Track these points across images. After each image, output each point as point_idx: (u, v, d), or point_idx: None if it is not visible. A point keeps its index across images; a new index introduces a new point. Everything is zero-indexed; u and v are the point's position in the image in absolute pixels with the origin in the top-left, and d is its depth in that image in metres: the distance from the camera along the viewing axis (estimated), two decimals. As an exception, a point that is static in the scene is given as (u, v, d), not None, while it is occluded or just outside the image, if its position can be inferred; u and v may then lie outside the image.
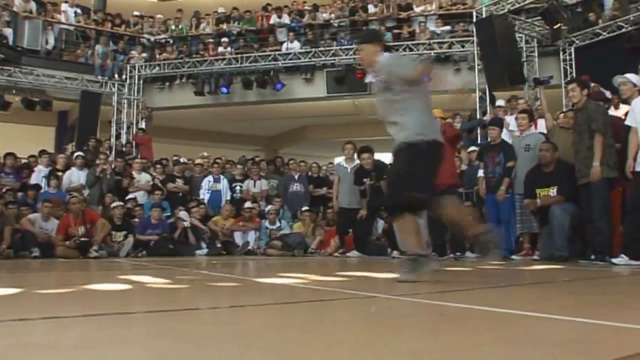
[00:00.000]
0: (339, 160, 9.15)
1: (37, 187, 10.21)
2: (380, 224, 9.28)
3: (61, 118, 17.54)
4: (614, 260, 5.60)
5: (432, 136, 4.03)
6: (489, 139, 8.14)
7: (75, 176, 10.43)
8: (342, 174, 9.08)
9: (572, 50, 12.57)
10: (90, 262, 7.55)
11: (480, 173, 7.93)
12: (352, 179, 8.83)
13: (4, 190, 9.60)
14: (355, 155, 9.02)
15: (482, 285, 3.93)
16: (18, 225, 8.57)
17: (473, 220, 4.45)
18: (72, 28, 15.84)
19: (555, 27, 12.11)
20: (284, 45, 15.18)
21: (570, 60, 12.58)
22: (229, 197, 10.89)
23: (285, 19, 15.89)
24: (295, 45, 15.03)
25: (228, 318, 2.35)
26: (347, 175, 8.93)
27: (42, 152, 11.47)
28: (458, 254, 7.44)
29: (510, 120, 8.89)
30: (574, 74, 12.19)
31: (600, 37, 12.01)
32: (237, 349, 1.60)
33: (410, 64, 4.10)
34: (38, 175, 10.61)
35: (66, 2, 15.87)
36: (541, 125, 8.20)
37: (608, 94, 6.97)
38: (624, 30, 11.47)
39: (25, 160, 11.46)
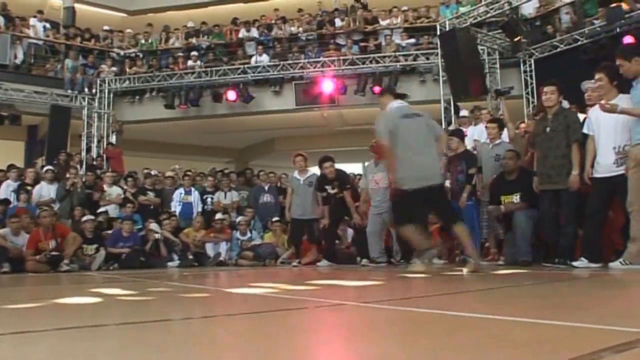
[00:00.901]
0: (294, 173, 9.14)
1: (6, 201, 9.99)
2: (350, 233, 9.29)
3: (30, 132, 17.26)
4: (575, 264, 5.72)
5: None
6: (450, 150, 8.25)
7: (45, 190, 10.27)
8: (295, 186, 9.04)
9: (532, 61, 12.89)
10: (61, 276, 7.41)
11: (447, 183, 8.03)
12: (305, 190, 8.82)
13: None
14: (308, 167, 9.10)
15: (448, 290, 3.97)
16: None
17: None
18: (41, 42, 15.61)
19: (515, 39, 12.39)
20: (253, 59, 15.20)
21: (531, 71, 12.90)
22: (200, 209, 10.81)
23: (254, 33, 15.92)
24: (264, 59, 15.06)
25: (200, 328, 2.33)
26: (300, 187, 8.90)
27: (11, 167, 11.25)
28: (425, 261, 7.46)
29: (473, 130, 9.04)
30: (534, 85, 12.49)
31: (558, 49, 12.35)
32: (210, 358, 1.59)
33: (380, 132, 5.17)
34: (7, 190, 10.40)
35: (35, 17, 15.64)
36: (504, 134, 8.36)
37: (566, 103, 7.11)
38: (579, 42, 11.83)
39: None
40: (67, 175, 10.54)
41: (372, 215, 7.91)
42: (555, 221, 6.23)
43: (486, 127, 7.98)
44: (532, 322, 2.16)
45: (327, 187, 8.59)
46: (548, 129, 6.15)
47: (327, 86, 14.37)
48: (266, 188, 11.20)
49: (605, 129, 5.65)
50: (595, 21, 11.75)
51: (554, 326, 2.06)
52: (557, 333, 1.93)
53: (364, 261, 8.00)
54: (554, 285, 4.26)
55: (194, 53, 15.62)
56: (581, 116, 6.55)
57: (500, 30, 12.73)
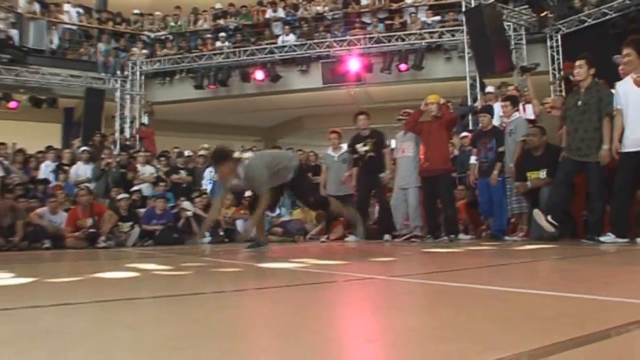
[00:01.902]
0: (328, 150, 9.06)
1: (45, 181, 10.21)
2: (376, 210, 9.25)
3: (67, 115, 17.52)
4: (602, 239, 5.63)
5: None
6: (480, 126, 8.13)
7: (82, 170, 10.45)
8: (329, 162, 8.98)
9: (559, 37, 12.56)
10: (99, 252, 7.56)
11: (473, 159, 7.93)
12: (339, 166, 8.73)
13: (14, 184, 9.61)
14: (342, 144, 9.00)
15: (475, 265, 3.95)
16: (29, 219, 8.61)
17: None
18: (75, 27, 15.79)
19: (542, 15, 12.09)
20: (280, 39, 15.14)
21: (557, 46, 12.57)
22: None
23: (281, 13, 15.82)
24: (291, 38, 14.99)
25: (232, 301, 2.36)
26: (334, 164, 8.83)
27: (49, 148, 11.46)
28: (452, 236, 7.44)
29: (499, 107, 8.89)
30: (560, 60, 12.19)
31: (586, 24, 11.98)
32: (241, 329, 1.61)
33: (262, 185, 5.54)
34: (46, 170, 10.61)
35: (69, 2, 15.83)
36: (529, 110, 8.21)
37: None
38: (608, 16, 11.44)
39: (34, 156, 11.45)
40: (102, 156, 10.71)
41: (396, 188, 7.86)
42: (567, 186, 6.12)
43: (501, 105, 7.87)
44: (559, 296, 2.14)
45: (358, 145, 8.32)
46: (580, 103, 5.97)
47: (354, 64, 14.26)
48: (294, 165, 11.19)
49: (634, 103, 5.49)
50: (625, -7, 11.37)
51: (580, 300, 2.03)
52: (583, 306, 1.91)
53: (387, 236, 7.99)
54: (581, 260, 4.19)
55: (222, 34, 15.61)
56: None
57: (526, 6, 12.44)
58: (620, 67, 6.14)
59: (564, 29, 12.44)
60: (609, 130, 5.74)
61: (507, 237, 7.17)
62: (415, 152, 7.74)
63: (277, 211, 10.21)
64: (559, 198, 6.07)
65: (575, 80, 6.14)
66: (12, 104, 14.85)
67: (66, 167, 10.55)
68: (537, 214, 6.07)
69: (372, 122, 8.45)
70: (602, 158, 5.73)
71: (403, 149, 7.88)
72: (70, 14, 15.69)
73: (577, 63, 6.07)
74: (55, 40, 15.23)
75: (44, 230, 8.52)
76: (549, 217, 5.93)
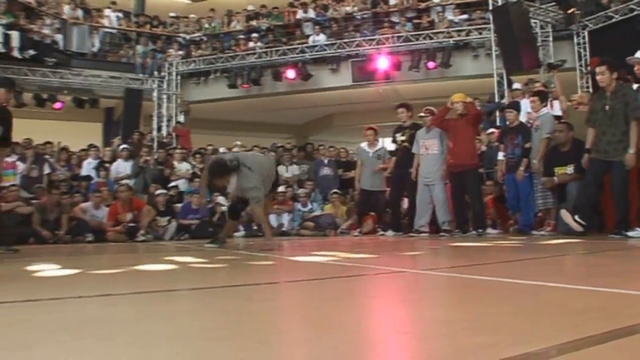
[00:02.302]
0: (363, 144, 9.04)
1: (88, 178, 10.43)
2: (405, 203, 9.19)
3: (107, 114, 17.82)
4: (629, 234, 5.51)
5: None
6: (507, 122, 8.02)
7: (122, 167, 10.62)
8: (364, 158, 8.94)
9: (586, 33, 12.26)
10: (138, 245, 7.69)
11: (500, 155, 7.83)
12: (374, 162, 8.72)
13: (59, 181, 9.84)
14: (377, 140, 9.02)
15: (503, 259, 3.90)
16: (73, 213, 8.81)
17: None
18: (114, 31, 16.05)
19: (568, 11, 11.83)
20: (311, 38, 15.12)
21: (584, 43, 12.29)
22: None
23: (311, 14, 15.80)
24: (321, 38, 14.97)
25: (265, 294, 2.37)
26: (368, 159, 8.81)
27: (91, 146, 11.68)
28: (480, 230, 7.36)
29: (526, 103, 8.75)
30: (587, 57, 11.92)
31: (613, 20, 11.65)
32: (274, 321, 1.62)
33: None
34: (88, 167, 10.82)
35: (109, 7, 16.10)
36: (556, 106, 8.06)
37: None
38: (635, 12, 11.11)
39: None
40: (141, 153, 10.87)
41: (421, 185, 7.79)
42: (595, 188, 5.98)
43: (530, 100, 7.74)
44: (588, 290, 2.10)
45: (397, 134, 8.36)
46: (607, 107, 5.80)
47: (382, 63, 14.18)
48: (326, 162, 11.22)
49: None
50: (654, -11, 11.04)
51: (609, 294, 1.99)
52: (613, 301, 1.87)
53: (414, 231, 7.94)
54: (609, 254, 4.10)
55: (255, 35, 15.66)
56: (635, 86, 6.23)
57: (553, 3, 12.17)
58: (636, 68, 5.98)
59: (590, 25, 12.13)
60: (636, 135, 5.58)
61: (534, 232, 7.06)
62: (440, 150, 7.66)
63: (309, 206, 10.25)
64: (588, 198, 5.96)
65: (601, 86, 5.98)
66: (57, 105, 15.15)
67: (107, 165, 10.74)
68: (565, 214, 5.96)
69: (398, 118, 8.43)
70: (628, 161, 5.59)
71: (426, 145, 7.79)
72: (110, 18, 15.98)
73: (599, 69, 5.93)
74: (97, 44, 15.52)
75: (86, 224, 8.71)
76: (577, 217, 5.83)
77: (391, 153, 8.61)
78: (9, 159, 10.02)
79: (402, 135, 8.27)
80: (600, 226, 6.45)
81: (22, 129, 12.89)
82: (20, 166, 10.09)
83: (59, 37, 14.40)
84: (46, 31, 13.89)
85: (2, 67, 13.52)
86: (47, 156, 10.77)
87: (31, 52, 13.29)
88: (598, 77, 5.93)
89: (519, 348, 1.18)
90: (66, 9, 14.96)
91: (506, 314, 1.64)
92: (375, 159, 8.77)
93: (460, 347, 1.21)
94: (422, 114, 7.97)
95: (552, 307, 1.76)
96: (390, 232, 8.33)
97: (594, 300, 1.90)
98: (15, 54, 12.98)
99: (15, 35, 12.88)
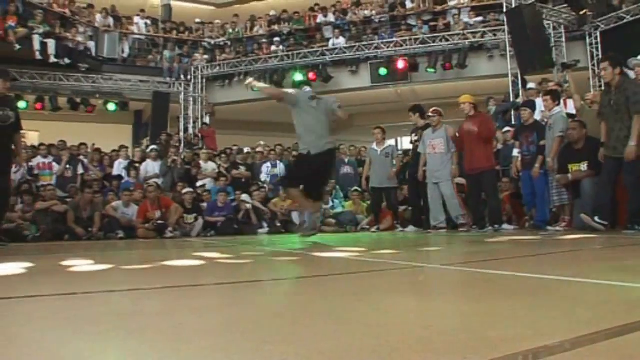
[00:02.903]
0: (372, 144, 9.06)
1: (119, 177, 10.55)
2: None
3: (137, 116, 18.02)
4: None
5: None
6: (522, 120, 7.94)
7: (151, 167, 10.72)
8: (373, 156, 8.96)
9: (598, 34, 12.13)
10: (167, 242, 7.74)
11: (515, 152, 7.74)
12: (382, 161, 8.73)
13: (92, 180, 9.98)
14: (386, 139, 9.07)
15: (520, 254, 3.85)
16: (105, 211, 8.93)
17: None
18: (143, 37, 16.23)
19: (581, 13, 11.69)
20: (331, 42, 15.14)
21: (597, 43, 12.15)
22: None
23: (331, 18, 15.81)
24: (341, 41, 14.96)
25: (289, 288, 2.37)
26: (377, 158, 8.82)
27: (122, 147, 11.82)
28: (497, 226, 7.29)
29: (540, 102, 8.64)
30: (600, 57, 11.73)
31: (625, 21, 11.52)
32: (300, 315, 1.62)
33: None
34: (119, 167, 10.95)
35: (138, 15, 16.30)
36: (570, 105, 7.95)
37: (632, 74, 6.61)
38: (647, 13, 10.96)
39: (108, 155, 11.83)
40: (169, 154, 10.96)
41: (430, 184, 7.75)
42: (611, 187, 5.91)
43: (543, 99, 7.65)
44: (604, 284, 2.07)
45: (413, 135, 8.44)
46: (612, 102, 5.79)
47: (400, 64, 14.13)
48: (346, 160, 11.22)
49: None
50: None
51: (626, 288, 1.95)
52: (629, 294, 1.83)
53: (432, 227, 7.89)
54: (623, 249, 4.03)
55: (277, 39, 15.72)
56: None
57: (565, 5, 12.02)
58: (636, 70, 5.88)
59: (602, 26, 11.96)
60: (637, 129, 5.51)
61: (549, 227, 6.97)
62: (446, 149, 7.64)
63: (330, 203, 10.24)
64: (606, 199, 5.89)
65: (605, 82, 5.93)
66: (89, 108, 15.37)
67: (137, 165, 10.86)
68: (585, 218, 5.88)
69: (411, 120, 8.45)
70: (627, 154, 5.52)
71: (434, 145, 7.75)
72: (139, 25, 16.19)
73: (602, 65, 5.92)
74: (126, 50, 15.75)
75: (117, 222, 8.82)
76: (597, 218, 5.75)
77: (405, 152, 8.54)
78: (46, 160, 10.23)
79: (416, 135, 8.34)
80: (615, 221, 6.34)
81: (57, 132, 13.16)
82: (56, 167, 10.28)
83: (91, 44, 14.66)
84: (79, 39, 14.12)
85: (39, 73, 13.79)
86: (81, 157, 10.93)
87: (67, 60, 13.52)
88: (602, 73, 5.89)
89: (539, 340, 1.16)
90: (98, 17, 15.25)
91: (524, 308, 1.62)
92: (383, 157, 8.78)
93: (481, 340, 1.20)
94: (430, 114, 7.94)
95: (569, 301, 1.73)
96: (410, 228, 8.31)
97: (611, 294, 1.86)
98: (52, 60, 13.20)
99: (51, 43, 13.12)
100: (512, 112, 11.43)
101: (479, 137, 7.38)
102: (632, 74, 6.49)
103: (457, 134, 7.68)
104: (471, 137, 7.42)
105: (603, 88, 8.74)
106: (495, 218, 7.41)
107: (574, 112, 7.61)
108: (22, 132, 6.25)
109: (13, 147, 5.97)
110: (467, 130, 7.50)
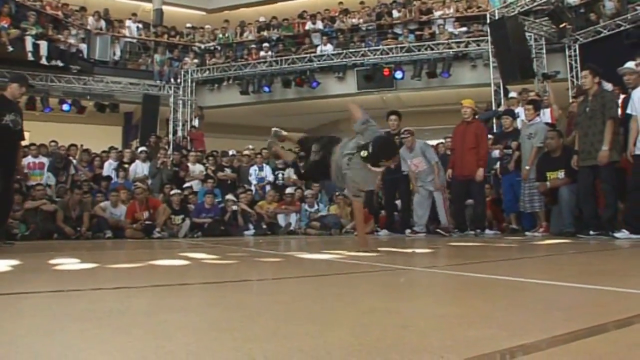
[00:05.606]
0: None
1: (108, 178, 10.46)
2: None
3: (127, 118, 17.88)
4: (616, 235, 5.51)
5: None
6: (503, 128, 8.02)
7: (140, 168, 10.65)
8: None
9: (577, 47, 12.36)
10: (154, 242, 7.70)
11: (496, 152, 7.86)
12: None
13: (81, 181, 9.88)
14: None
15: (497, 258, 3.88)
16: (94, 211, 8.85)
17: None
18: (134, 40, 16.14)
19: (561, 26, 11.89)
20: (319, 48, 15.16)
21: (575, 56, 12.37)
22: (271, 179, 11.06)
23: (319, 25, 15.84)
24: (328, 48, 14.99)
25: (273, 288, 2.37)
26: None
27: (112, 148, 11.73)
28: (478, 230, 7.34)
29: (521, 111, 8.74)
30: (578, 69, 11.92)
31: (602, 35, 11.73)
32: (282, 314, 1.61)
33: None
34: (109, 168, 10.86)
35: (130, 19, 16.20)
36: (546, 115, 8.07)
37: (609, 86, 6.76)
38: (622, 28, 11.23)
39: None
40: (158, 155, 10.90)
41: (421, 189, 7.79)
42: (592, 194, 6.02)
43: (524, 108, 7.76)
44: (578, 287, 2.09)
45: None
46: (588, 109, 5.97)
47: (386, 72, 14.19)
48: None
49: None
50: (638, 7, 11.03)
51: (599, 291, 1.98)
52: (602, 297, 1.86)
53: (407, 231, 7.92)
54: (597, 254, 4.09)
55: (266, 44, 15.71)
56: (622, 97, 6.29)
57: (546, 18, 12.21)
58: (626, 77, 6.00)
59: (581, 39, 12.19)
60: (610, 133, 5.70)
61: (527, 233, 7.04)
62: (428, 165, 7.70)
63: (316, 207, 10.25)
64: (592, 209, 6.03)
65: (584, 88, 6.13)
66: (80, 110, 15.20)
67: (126, 166, 10.77)
68: (582, 237, 5.94)
69: (403, 124, 8.33)
70: (600, 158, 5.67)
71: (415, 164, 7.77)
72: (130, 28, 16.09)
73: (583, 73, 6.17)
74: (118, 52, 15.63)
75: (106, 222, 8.75)
76: (591, 232, 5.87)
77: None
78: (37, 160, 10.11)
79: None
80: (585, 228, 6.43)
81: (48, 132, 13.01)
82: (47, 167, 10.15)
83: (83, 47, 14.53)
84: (72, 41, 13.99)
85: (31, 74, 13.62)
86: (71, 158, 10.81)
87: (59, 62, 13.39)
88: (582, 81, 6.10)
89: (514, 340, 1.18)
90: (90, 20, 15.12)
91: (501, 309, 1.64)
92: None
93: (458, 340, 1.21)
94: (403, 136, 7.84)
95: (545, 303, 1.75)
96: (383, 232, 8.32)
97: (584, 296, 1.89)
98: (44, 62, 13.07)
99: (43, 45, 13.00)
100: (494, 121, 11.53)
101: (470, 146, 7.41)
102: (609, 87, 6.62)
103: (452, 135, 7.69)
104: (463, 142, 7.46)
105: (575, 98, 8.91)
106: (478, 223, 7.46)
107: (550, 121, 7.73)
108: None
109: None
110: (460, 136, 7.53)
